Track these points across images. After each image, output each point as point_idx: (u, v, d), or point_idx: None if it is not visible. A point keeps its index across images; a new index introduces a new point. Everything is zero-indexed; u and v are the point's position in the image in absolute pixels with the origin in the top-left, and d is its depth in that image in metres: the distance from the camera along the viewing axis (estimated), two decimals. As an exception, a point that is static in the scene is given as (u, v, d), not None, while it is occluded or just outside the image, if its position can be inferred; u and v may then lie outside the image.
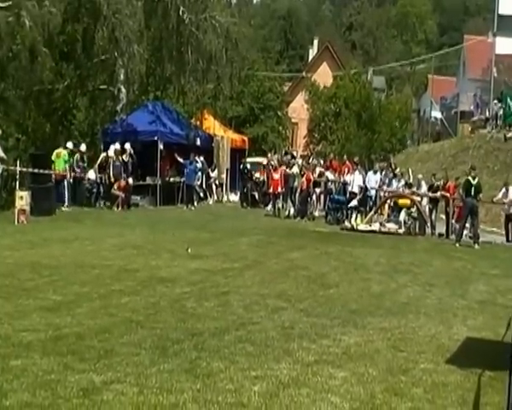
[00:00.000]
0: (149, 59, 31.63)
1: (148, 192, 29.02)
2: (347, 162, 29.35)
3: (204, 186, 31.07)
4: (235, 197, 33.26)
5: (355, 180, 26.52)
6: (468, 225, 21.73)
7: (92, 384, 6.42)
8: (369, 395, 6.49)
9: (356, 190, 26.23)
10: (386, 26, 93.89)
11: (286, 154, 34.83)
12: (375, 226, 23.49)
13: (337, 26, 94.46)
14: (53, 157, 25.48)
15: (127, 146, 27.49)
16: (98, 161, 27.46)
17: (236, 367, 7.13)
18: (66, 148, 26.38)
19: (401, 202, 24.36)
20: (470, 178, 21.24)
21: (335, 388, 6.67)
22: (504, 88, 38.39)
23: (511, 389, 4.85)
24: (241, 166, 32.78)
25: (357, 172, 27.05)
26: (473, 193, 20.87)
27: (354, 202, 26.01)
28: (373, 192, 26.28)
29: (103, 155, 27.67)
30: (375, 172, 26.74)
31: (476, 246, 20.32)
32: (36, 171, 23.65)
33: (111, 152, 27.23)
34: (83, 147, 27.58)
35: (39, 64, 26.31)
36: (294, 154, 38.36)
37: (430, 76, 52.38)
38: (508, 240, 22.07)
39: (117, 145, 27.16)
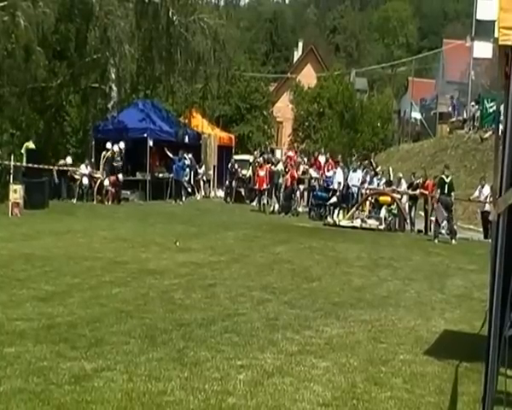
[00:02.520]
0: (140, 59, 31.96)
1: (138, 187, 29.40)
2: (330, 160, 30.07)
3: (192, 182, 31.44)
4: (221, 193, 33.61)
5: (336, 177, 27.10)
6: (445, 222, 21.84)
7: (83, 371, 6.48)
8: (350, 385, 6.57)
9: (336, 186, 26.80)
10: (368, 30, 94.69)
11: (262, 153, 35.35)
12: (357, 222, 23.88)
13: (321, 29, 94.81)
14: (22, 150, 26.06)
15: (122, 145, 28.00)
16: (103, 159, 27.83)
17: (222, 356, 7.21)
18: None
19: (382, 199, 24.74)
20: (444, 176, 21.65)
21: (318, 377, 6.74)
22: (481, 91, 38.79)
23: (487, 380, 4.98)
24: (230, 163, 33.32)
25: (338, 169, 27.61)
26: (446, 191, 21.27)
27: (334, 199, 26.50)
28: (355, 190, 26.73)
29: (104, 153, 28.02)
30: (355, 171, 27.25)
31: (453, 241, 20.71)
32: (30, 165, 24.26)
33: (116, 148, 27.75)
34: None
35: (33, 62, 26.52)
36: (278, 155, 39.04)
37: (410, 78, 52.91)
38: (485, 237, 21.87)
39: (108, 145, 27.70)
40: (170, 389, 6.19)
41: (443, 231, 21.82)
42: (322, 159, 30.76)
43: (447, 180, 21.50)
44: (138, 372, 6.57)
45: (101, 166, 27.62)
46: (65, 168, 27.58)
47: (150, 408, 5.70)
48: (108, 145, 27.79)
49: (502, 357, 5.17)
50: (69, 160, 28.20)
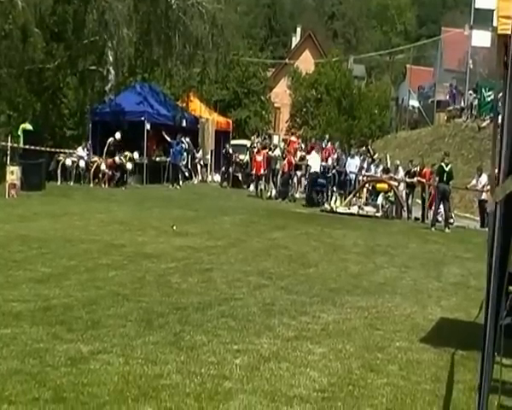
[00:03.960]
0: (138, 42, 31.85)
1: (135, 171, 29.28)
2: (328, 146, 30.06)
3: (189, 166, 31.49)
4: (219, 178, 33.58)
5: (311, 160, 27.21)
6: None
7: (80, 354, 6.50)
8: (346, 371, 6.59)
9: (313, 169, 26.85)
10: (366, 17, 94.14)
11: (265, 139, 35.47)
12: (354, 209, 23.88)
13: (320, 15, 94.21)
14: (19, 132, 25.99)
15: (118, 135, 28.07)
16: (106, 147, 27.87)
17: (219, 341, 7.23)
18: None
19: (379, 186, 24.76)
20: (443, 164, 21.62)
21: (314, 363, 6.76)
22: (479, 79, 38.87)
23: (483, 369, 5.00)
24: (224, 150, 33.30)
25: (313, 152, 27.68)
26: (445, 179, 21.28)
27: (304, 182, 26.73)
28: (352, 176, 26.77)
29: (111, 139, 28.05)
30: (353, 157, 27.30)
31: (446, 230, 20.68)
32: (27, 147, 24.19)
33: (118, 135, 27.84)
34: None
35: (31, 44, 26.48)
36: (275, 141, 39.05)
37: (408, 66, 53.00)
38: (482, 225, 21.87)
39: (118, 135, 27.89)
40: (166, 372, 6.19)
41: (440, 219, 21.80)
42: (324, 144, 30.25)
43: (447, 168, 21.49)
44: (135, 355, 6.58)
45: (104, 153, 27.65)
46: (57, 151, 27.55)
47: (146, 391, 5.70)
48: (118, 136, 27.77)
49: (497, 346, 5.18)
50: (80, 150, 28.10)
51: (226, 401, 5.65)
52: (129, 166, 27.99)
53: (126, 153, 27.82)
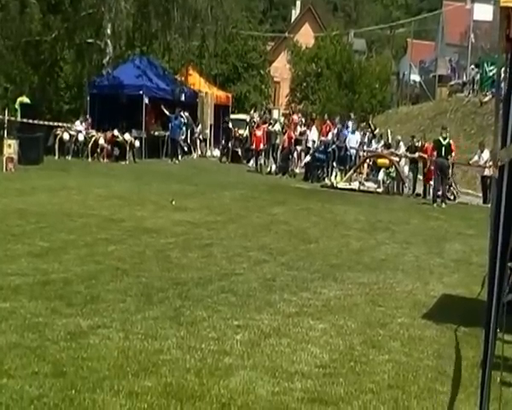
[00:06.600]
0: (136, 14, 31.61)
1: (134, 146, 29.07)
2: (328, 122, 29.86)
3: (188, 141, 31.35)
4: (218, 152, 33.48)
5: (310, 135, 27.13)
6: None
7: (79, 328, 6.48)
8: (347, 347, 6.57)
9: (310, 144, 27.01)
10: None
11: (264, 114, 35.33)
12: (355, 185, 23.75)
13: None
14: (16, 105, 25.82)
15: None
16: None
17: (219, 316, 7.21)
18: None
19: (380, 161, 24.58)
20: (441, 138, 21.40)
21: (315, 339, 6.74)
22: (481, 54, 38.61)
23: (487, 345, 4.92)
24: (223, 124, 33.07)
25: (313, 127, 27.59)
26: (443, 153, 21.11)
27: (308, 158, 26.64)
28: (353, 152, 26.50)
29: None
30: (354, 132, 27.06)
31: (443, 205, 20.51)
32: (24, 120, 24.04)
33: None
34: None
35: (27, 15, 26.48)
36: (275, 116, 38.91)
37: (409, 40, 52.62)
38: (484, 202, 21.72)
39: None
40: (166, 347, 6.17)
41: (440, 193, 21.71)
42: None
43: (444, 142, 21.28)
44: (134, 330, 6.56)
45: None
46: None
47: (146, 367, 5.66)
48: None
49: (500, 322, 5.12)
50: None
51: (227, 376, 5.60)
52: (137, 143, 27.81)
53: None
